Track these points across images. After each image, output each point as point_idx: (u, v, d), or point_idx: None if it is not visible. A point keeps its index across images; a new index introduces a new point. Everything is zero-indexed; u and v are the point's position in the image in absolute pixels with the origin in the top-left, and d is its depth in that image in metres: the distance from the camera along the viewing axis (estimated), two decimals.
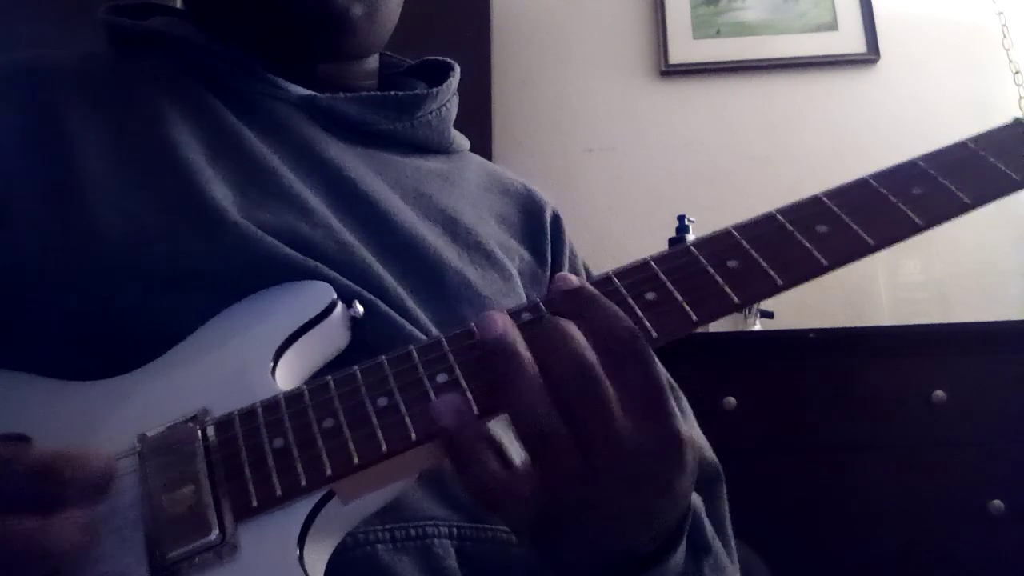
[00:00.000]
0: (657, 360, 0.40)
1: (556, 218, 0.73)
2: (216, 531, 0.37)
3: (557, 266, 0.70)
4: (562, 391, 0.38)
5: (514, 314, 0.43)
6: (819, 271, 0.43)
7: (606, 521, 0.40)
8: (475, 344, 0.42)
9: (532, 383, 0.38)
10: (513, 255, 0.65)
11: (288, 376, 0.45)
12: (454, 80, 0.72)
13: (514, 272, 0.63)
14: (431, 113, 0.68)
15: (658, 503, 0.41)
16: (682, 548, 0.46)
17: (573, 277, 0.43)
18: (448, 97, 0.70)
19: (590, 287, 0.42)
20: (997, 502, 1.41)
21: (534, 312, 0.43)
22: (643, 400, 0.39)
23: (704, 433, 0.66)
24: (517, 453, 0.40)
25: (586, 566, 0.42)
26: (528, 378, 0.38)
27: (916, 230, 0.44)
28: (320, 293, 0.48)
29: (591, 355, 0.38)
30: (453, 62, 0.74)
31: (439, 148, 0.70)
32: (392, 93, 0.66)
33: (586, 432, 0.38)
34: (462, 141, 0.74)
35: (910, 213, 0.44)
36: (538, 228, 0.70)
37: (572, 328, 0.39)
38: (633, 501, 0.40)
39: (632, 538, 0.42)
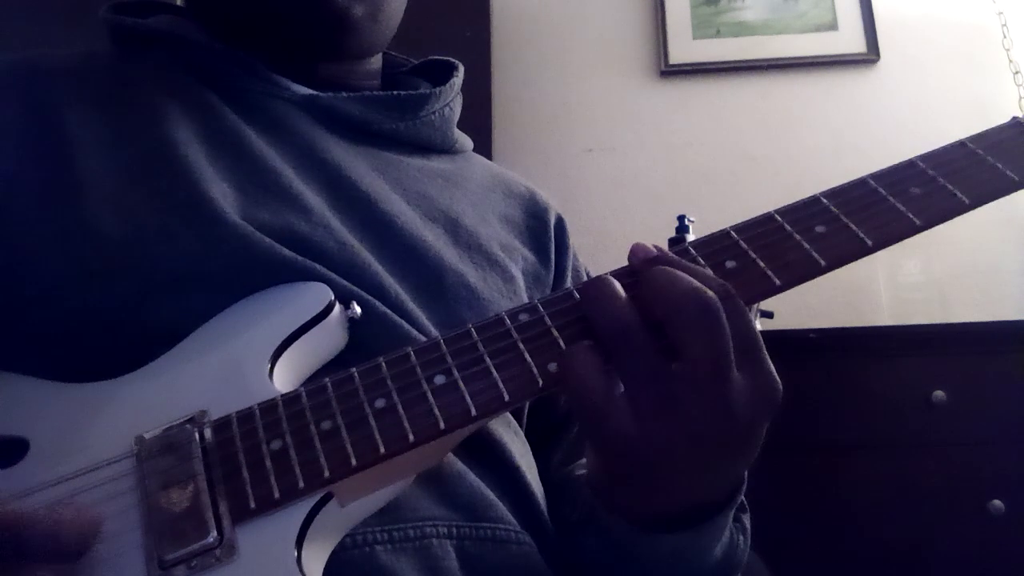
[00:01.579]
0: None
1: (560, 221, 0.73)
2: (214, 533, 0.37)
3: (560, 269, 0.70)
4: (679, 327, 0.39)
5: (512, 315, 0.44)
6: (817, 271, 0.43)
7: (698, 473, 0.41)
8: (475, 344, 0.42)
9: (635, 324, 0.40)
10: (516, 256, 0.65)
11: (286, 377, 0.45)
12: (457, 80, 0.71)
13: (516, 273, 0.63)
14: (434, 113, 0.68)
15: (745, 455, 0.42)
16: (739, 497, 0.47)
17: (649, 246, 0.44)
18: (451, 97, 0.70)
19: (671, 254, 0.43)
20: (997, 502, 1.41)
21: (532, 313, 0.43)
22: (746, 351, 0.40)
23: None
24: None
25: (656, 514, 0.44)
26: (630, 317, 0.40)
27: (915, 230, 0.44)
28: (318, 294, 0.48)
29: (709, 292, 0.39)
30: (457, 62, 0.73)
31: (442, 148, 0.70)
32: (394, 92, 0.66)
33: (697, 373, 0.39)
34: (465, 141, 0.74)
35: (909, 213, 0.44)
36: (542, 229, 0.70)
37: (677, 272, 0.41)
38: (728, 450, 0.41)
39: (712, 489, 0.44)
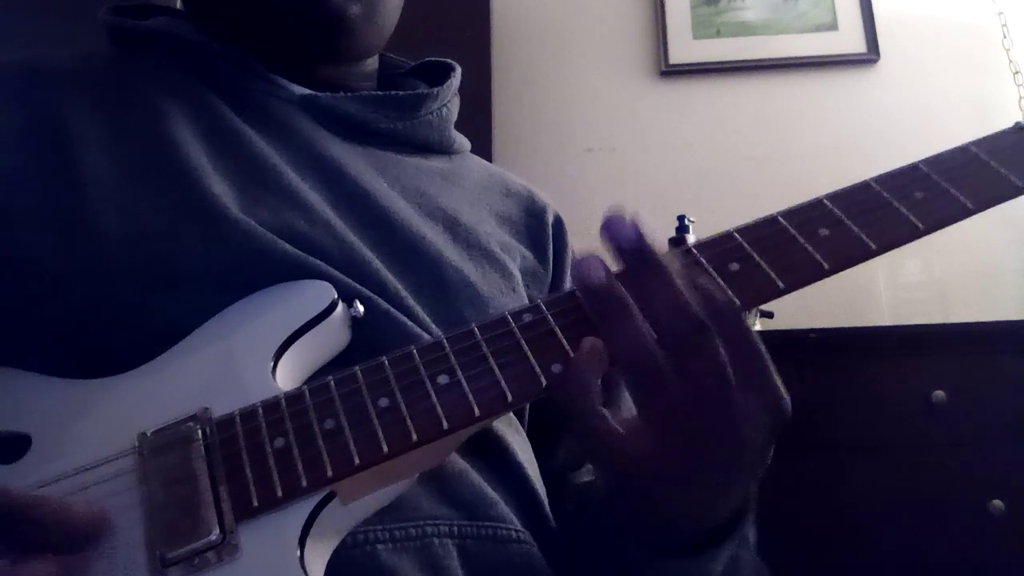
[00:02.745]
0: None
1: (558, 220, 0.73)
2: (216, 531, 0.37)
3: (559, 268, 0.70)
4: (675, 344, 0.39)
5: (515, 315, 0.44)
6: (821, 275, 0.43)
7: (705, 488, 0.41)
8: (478, 343, 0.42)
9: (643, 328, 0.40)
10: (514, 254, 0.65)
11: (288, 376, 0.45)
12: (455, 80, 0.71)
13: (515, 271, 0.63)
14: (432, 112, 0.68)
15: (750, 472, 0.42)
16: (745, 524, 0.47)
17: (625, 221, 0.43)
18: (449, 97, 0.70)
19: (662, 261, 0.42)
20: (997, 502, 1.41)
21: (535, 313, 0.43)
22: (750, 368, 0.40)
23: None
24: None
25: (663, 535, 0.44)
26: (639, 323, 0.40)
27: (918, 234, 0.44)
28: (321, 292, 0.48)
29: (694, 311, 0.40)
30: (454, 63, 0.74)
31: (440, 148, 0.70)
32: (393, 92, 0.66)
33: (699, 391, 0.39)
34: (463, 142, 0.74)
35: (912, 217, 0.44)
36: (540, 228, 0.70)
37: (670, 285, 0.40)
38: (735, 469, 0.41)
39: (716, 508, 0.44)
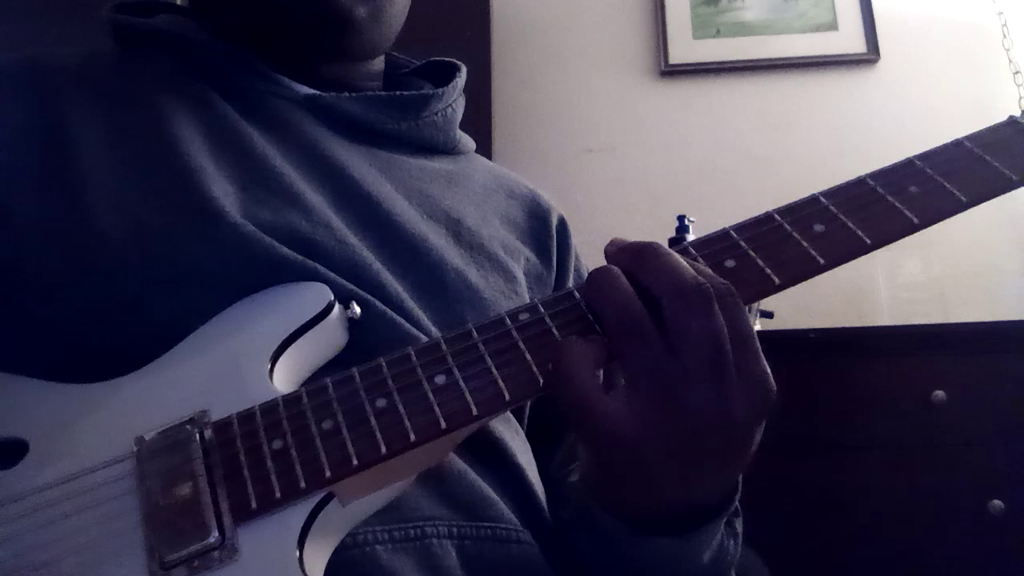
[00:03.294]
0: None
1: (562, 222, 0.73)
2: (215, 533, 0.37)
3: (563, 270, 0.70)
4: (677, 312, 0.40)
5: (512, 315, 0.44)
6: (817, 270, 0.43)
7: (691, 468, 0.41)
8: (475, 344, 0.42)
9: (633, 297, 0.41)
10: (518, 256, 0.65)
11: (286, 378, 0.45)
12: (460, 81, 0.71)
13: (518, 274, 0.63)
14: (436, 113, 0.68)
15: (739, 457, 0.42)
16: (733, 504, 0.47)
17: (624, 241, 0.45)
18: (454, 98, 0.70)
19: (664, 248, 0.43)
20: (997, 502, 1.41)
21: (532, 313, 0.43)
22: (743, 348, 0.40)
23: None
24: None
25: (648, 514, 0.44)
26: (629, 292, 0.41)
27: (913, 228, 0.44)
28: (317, 294, 0.48)
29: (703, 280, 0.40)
30: (460, 63, 0.74)
31: (444, 149, 0.70)
32: (397, 93, 0.66)
33: (693, 364, 0.39)
34: (468, 142, 0.74)
35: (906, 211, 0.45)
36: (544, 230, 0.70)
37: (675, 258, 0.41)
38: (722, 449, 0.41)
39: (704, 492, 0.44)
